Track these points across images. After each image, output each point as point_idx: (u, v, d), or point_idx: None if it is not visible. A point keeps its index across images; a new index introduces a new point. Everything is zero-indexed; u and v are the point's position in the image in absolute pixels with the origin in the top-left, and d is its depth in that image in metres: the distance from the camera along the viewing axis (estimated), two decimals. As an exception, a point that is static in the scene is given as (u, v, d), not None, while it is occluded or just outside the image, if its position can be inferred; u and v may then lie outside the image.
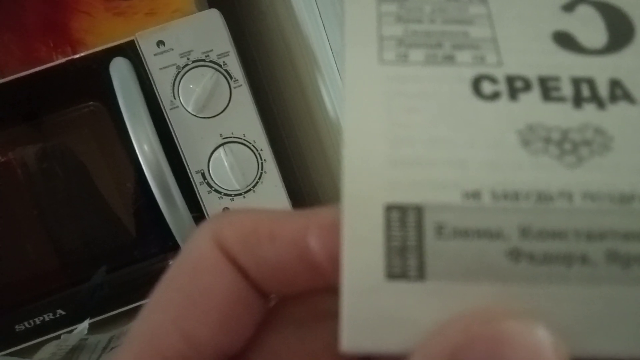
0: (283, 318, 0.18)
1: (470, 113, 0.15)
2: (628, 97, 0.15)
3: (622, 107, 0.15)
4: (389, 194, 0.14)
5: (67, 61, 0.52)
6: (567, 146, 0.14)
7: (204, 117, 0.53)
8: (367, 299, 0.13)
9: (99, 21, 0.59)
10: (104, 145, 0.55)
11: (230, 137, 0.54)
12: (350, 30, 0.16)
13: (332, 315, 0.15)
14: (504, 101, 0.15)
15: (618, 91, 0.15)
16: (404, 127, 0.14)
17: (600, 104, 0.15)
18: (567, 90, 0.15)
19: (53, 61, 0.59)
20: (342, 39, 0.16)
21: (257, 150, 0.55)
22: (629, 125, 0.14)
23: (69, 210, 0.55)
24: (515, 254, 0.13)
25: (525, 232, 0.13)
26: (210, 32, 0.53)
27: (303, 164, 0.67)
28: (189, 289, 0.16)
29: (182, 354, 0.15)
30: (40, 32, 0.60)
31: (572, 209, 0.13)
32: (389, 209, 0.14)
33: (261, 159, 0.55)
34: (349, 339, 0.14)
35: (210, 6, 0.56)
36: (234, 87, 0.54)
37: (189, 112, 0.53)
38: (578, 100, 0.15)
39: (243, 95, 0.54)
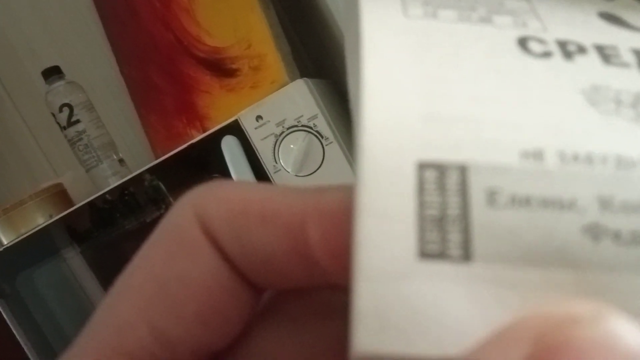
0: (278, 314, 0.15)
1: (520, 69, 0.12)
2: None
3: None
4: (422, 149, 0.11)
5: (188, 145, 0.63)
6: None
7: (303, 176, 0.61)
8: (391, 287, 0.10)
9: (216, 98, 0.70)
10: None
11: (328, 190, 0.61)
12: None
13: (339, 312, 0.13)
14: (557, 60, 0.12)
15: None
16: (439, 80, 0.12)
17: None
18: (628, 57, 0.13)
19: (188, 135, 0.71)
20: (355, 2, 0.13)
21: (353, 198, 0.61)
22: None
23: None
24: (594, 231, 0.10)
25: (606, 204, 0.10)
26: (299, 100, 0.60)
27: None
28: (162, 274, 0.13)
29: (151, 353, 0.13)
30: (176, 112, 0.73)
31: None
32: (423, 167, 0.11)
33: (357, 206, 0.61)
34: (365, 340, 0.10)
35: (314, 76, 0.63)
36: (326, 145, 0.60)
37: (290, 173, 0.61)
38: None
39: (335, 150, 0.60)
